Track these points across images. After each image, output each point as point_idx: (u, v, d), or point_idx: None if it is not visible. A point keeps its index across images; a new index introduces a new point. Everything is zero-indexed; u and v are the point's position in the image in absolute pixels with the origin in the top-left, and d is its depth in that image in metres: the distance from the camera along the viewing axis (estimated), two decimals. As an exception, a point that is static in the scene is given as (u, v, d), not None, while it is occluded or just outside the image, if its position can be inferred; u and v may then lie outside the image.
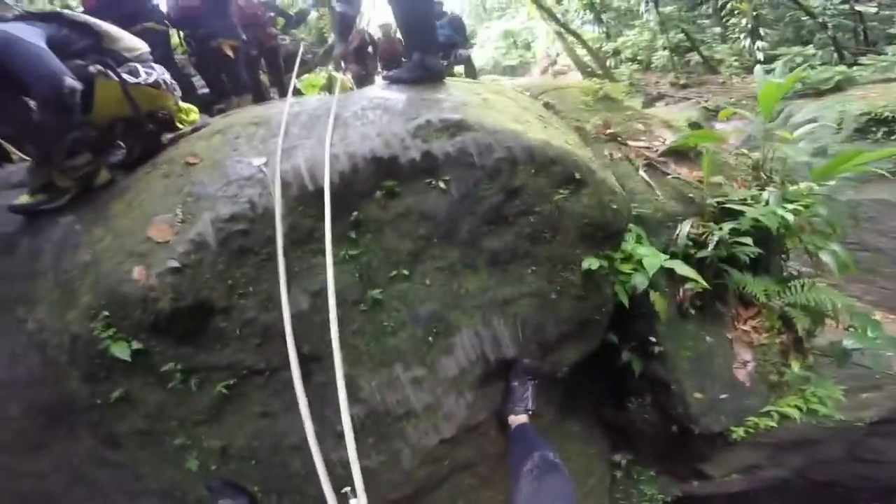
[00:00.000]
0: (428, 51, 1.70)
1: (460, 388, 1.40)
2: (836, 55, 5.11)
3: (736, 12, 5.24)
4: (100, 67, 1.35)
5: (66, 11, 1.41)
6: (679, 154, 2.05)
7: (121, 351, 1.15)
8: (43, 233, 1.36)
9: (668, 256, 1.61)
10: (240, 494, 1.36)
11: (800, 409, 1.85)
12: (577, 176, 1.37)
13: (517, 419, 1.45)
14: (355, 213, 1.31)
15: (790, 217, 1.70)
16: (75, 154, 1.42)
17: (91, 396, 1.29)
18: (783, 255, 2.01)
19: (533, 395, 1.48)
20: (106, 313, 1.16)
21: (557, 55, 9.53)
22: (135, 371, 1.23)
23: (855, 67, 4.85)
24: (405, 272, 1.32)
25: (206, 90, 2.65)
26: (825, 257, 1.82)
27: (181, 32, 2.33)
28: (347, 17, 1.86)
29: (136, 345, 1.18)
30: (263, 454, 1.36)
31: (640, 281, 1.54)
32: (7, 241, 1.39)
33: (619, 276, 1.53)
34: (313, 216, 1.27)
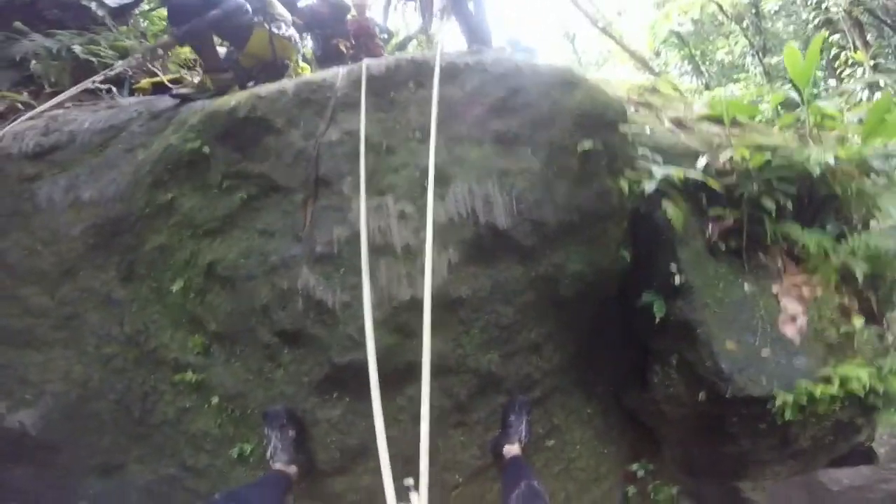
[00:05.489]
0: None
1: (446, 241, 1.68)
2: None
3: (850, 62, 5.51)
4: (260, 18, 2.39)
5: None
6: (714, 120, 2.34)
7: (194, 149, 1.79)
8: (187, 106, 2.23)
9: (680, 169, 1.80)
10: (289, 425, 1.66)
11: (873, 387, 1.64)
12: (571, 80, 1.83)
13: (511, 450, 1.68)
14: (392, 94, 1.91)
15: (830, 159, 1.81)
16: (224, 71, 2.39)
17: (145, 206, 1.87)
18: (843, 214, 1.99)
19: (527, 428, 1.75)
20: (199, 127, 1.85)
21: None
22: (188, 178, 1.83)
23: None
24: (419, 136, 1.81)
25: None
26: (882, 203, 1.81)
27: (311, 32, 3.71)
28: None
29: (205, 149, 1.81)
30: (241, 276, 1.73)
31: (648, 186, 1.75)
32: (164, 112, 2.27)
33: (622, 172, 1.77)
34: (359, 91, 1.91)
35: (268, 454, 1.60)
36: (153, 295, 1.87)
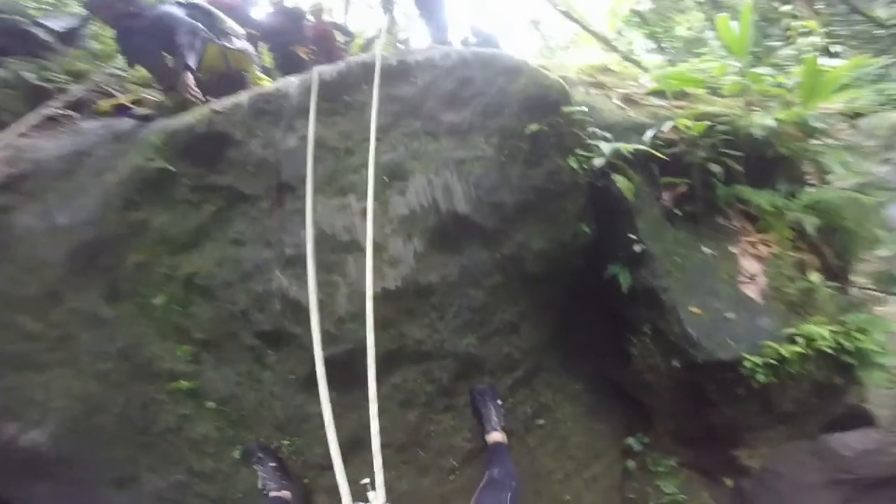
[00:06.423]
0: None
1: (410, 231, 1.80)
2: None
3: (803, 30, 5.73)
4: (211, 35, 2.48)
5: (198, 1, 2.65)
6: (661, 94, 2.49)
7: (160, 168, 1.89)
8: (148, 126, 2.30)
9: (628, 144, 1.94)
10: (266, 457, 1.82)
11: (842, 345, 1.74)
12: (515, 66, 1.97)
13: (492, 437, 1.80)
14: (346, 97, 2.02)
15: (771, 122, 1.96)
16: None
17: (118, 226, 1.96)
18: (794, 174, 2.13)
19: (500, 414, 1.85)
20: (162, 146, 1.95)
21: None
22: (157, 196, 1.93)
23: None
24: (376, 136, 1.92)
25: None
26: (826, 160, 1.95)
27: (268, 42, 3.79)
28: None
29: (170, 167, 1.91)
30: (218, 284, 1.85)
31: (598, 161, 1.89)
32: (127, 134, 2.34)
33: (572, 150, 1.91)
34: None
35: (260, 485, 1.76)
36: (138, 310, 1.97)
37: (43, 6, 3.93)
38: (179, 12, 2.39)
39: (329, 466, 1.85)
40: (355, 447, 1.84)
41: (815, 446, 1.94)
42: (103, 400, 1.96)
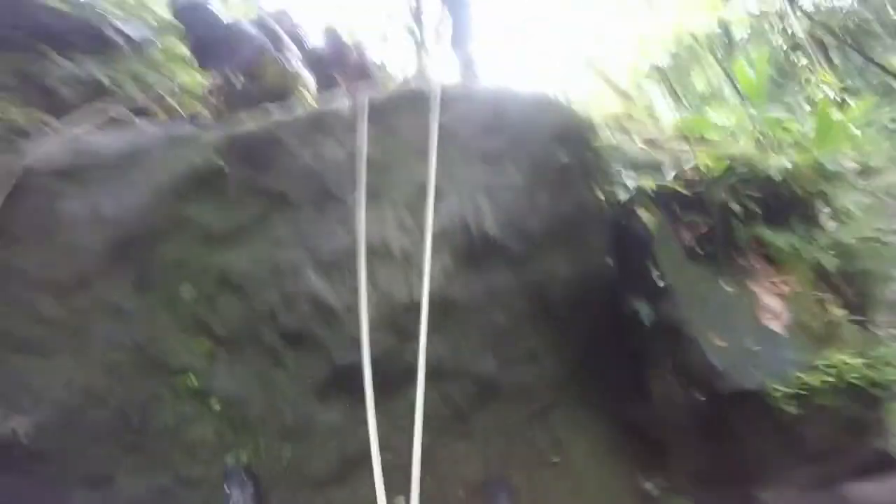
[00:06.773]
0: None
1: (440, 247, 1.89)
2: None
3: (819, 83, 5.91)
4: (276, 55, 2.76)
5: (269, 23, 2.95)
6: (683, 139, 2.65)
7: (214, 168, 2.06)
8: (206, 131, 2.51)
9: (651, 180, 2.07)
10: (248, 482, 1.85)
11: (870, 378, 1.71)
12: (546, 102, 2.17)
13: None
14: (391, 121, 2.21)
15: (787, 164, 2.07)
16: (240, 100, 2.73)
17: (163, 220, 2.07)
18: (809, 215, 2.21)
19: None
20: (219, 147, 2.10)
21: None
22: (207, 193, 2.06)
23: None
24: (415, 157, 2.08)
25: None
26: (843, 200, 2.03)
27: (312, 68, 4.16)
28: None
29: (225, 167, 2.06)
30: (251, 283, 1.93)
31: (624, 195, 2.02)
32: (184, 137, 2.48)
33: (599, 184, 2.04)
34: (362, 117, 2.20)
35: None
36: (164, 303, 2.04)
37: (121, 9, 4.32)
38: (252, 30, 2.69)
39: (328, 483, 1.86)
40: (360, 464, 1.79)
41: (829, 496, 1.87)
42: (105, 393, 1.96)
